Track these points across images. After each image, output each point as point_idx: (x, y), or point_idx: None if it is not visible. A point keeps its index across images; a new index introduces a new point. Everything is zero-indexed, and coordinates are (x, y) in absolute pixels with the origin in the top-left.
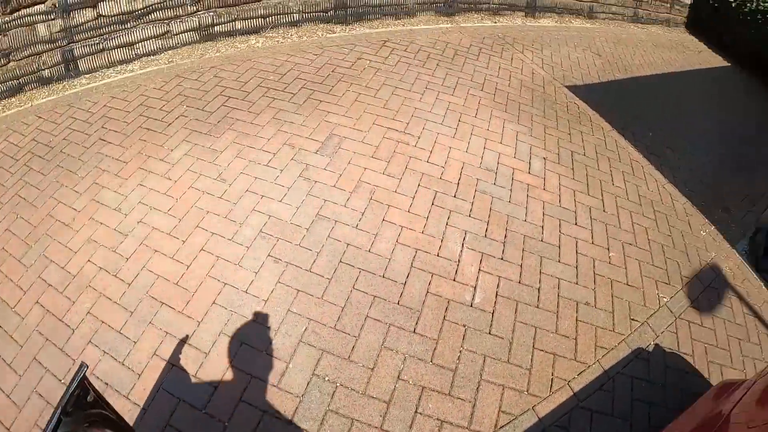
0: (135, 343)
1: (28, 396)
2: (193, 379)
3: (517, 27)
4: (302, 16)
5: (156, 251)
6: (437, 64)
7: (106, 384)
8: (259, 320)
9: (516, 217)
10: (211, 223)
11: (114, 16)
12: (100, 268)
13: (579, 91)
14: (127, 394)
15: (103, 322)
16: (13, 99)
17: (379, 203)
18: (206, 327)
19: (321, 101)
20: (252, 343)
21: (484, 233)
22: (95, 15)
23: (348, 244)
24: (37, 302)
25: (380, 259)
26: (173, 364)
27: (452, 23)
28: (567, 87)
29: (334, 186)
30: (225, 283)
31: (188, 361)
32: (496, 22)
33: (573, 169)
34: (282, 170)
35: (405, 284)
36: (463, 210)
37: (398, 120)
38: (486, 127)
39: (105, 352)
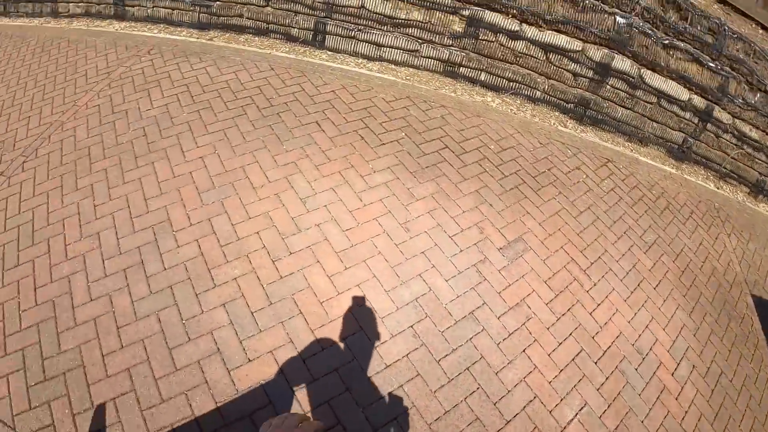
0: (261, 331)
1: (147, 314)
2: (291, 394)
3: (736, 203)
4: (543, 96)
5: (318, 262)
6: (645, 212)
7: (218, 349)
8: (372, 379)
9: (636, 413)
10: (377, 266)
11: (376, 13)
12: (264, 246)
13: (762, 306)
14: (229, 369)
15: (243, 295)
16: (256, 39)
17: (528, 333)
18: (326, 357)
19: (525, 197)
20: (354, 395)
21: (600, 414)
22: (359, 4)
23: (482, 357)
24: (197, 241)
25: (501, 387)
26: (282, 371)
27: (677, 170)
28: (752, 296)
29: (499, 294)
30: (361, 328)
31: (295, 375)
32: (718, 188)
33: (713, 390)
34: (462, 251)
35: (508, 422)
36: (595, 380)
37: (585, 255)
38: (659, 304)
39: (231, 322)
